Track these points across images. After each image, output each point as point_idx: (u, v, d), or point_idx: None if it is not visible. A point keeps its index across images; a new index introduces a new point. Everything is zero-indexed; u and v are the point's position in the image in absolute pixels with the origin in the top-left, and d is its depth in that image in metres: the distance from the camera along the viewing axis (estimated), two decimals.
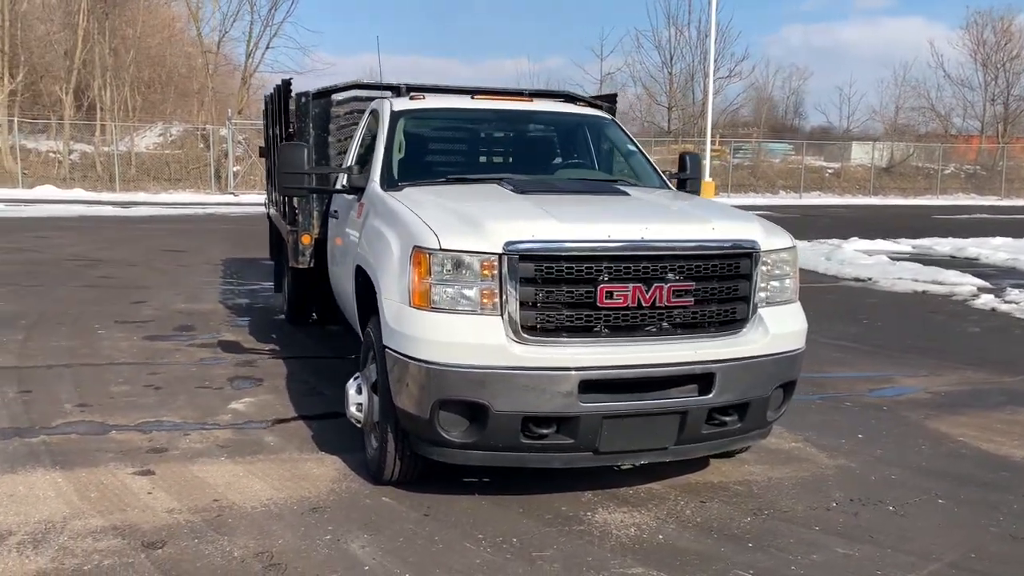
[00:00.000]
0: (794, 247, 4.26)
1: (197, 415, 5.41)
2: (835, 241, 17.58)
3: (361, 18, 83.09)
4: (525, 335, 3.70)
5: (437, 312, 3.72)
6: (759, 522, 4.03)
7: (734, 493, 4.38)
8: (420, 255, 3.76)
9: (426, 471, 4.22)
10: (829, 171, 45.30)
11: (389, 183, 4.84)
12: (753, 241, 4.02)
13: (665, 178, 5.47)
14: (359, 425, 4.41)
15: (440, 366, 3.68)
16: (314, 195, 5.96)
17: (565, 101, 6.47)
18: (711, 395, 3.85)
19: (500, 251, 3.67)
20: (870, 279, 12.70)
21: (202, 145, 33.79)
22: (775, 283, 4.15)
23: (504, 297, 3.68)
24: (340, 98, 6.34)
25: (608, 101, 6.88)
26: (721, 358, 3.87)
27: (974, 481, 4.61)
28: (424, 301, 3.74)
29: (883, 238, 17.87)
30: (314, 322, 8.10)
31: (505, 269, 3.67)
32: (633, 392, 3.78)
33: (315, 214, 6.14)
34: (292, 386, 6.15)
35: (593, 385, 3.71)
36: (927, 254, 15.95)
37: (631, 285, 3.74)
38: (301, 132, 6.24)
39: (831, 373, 6.97)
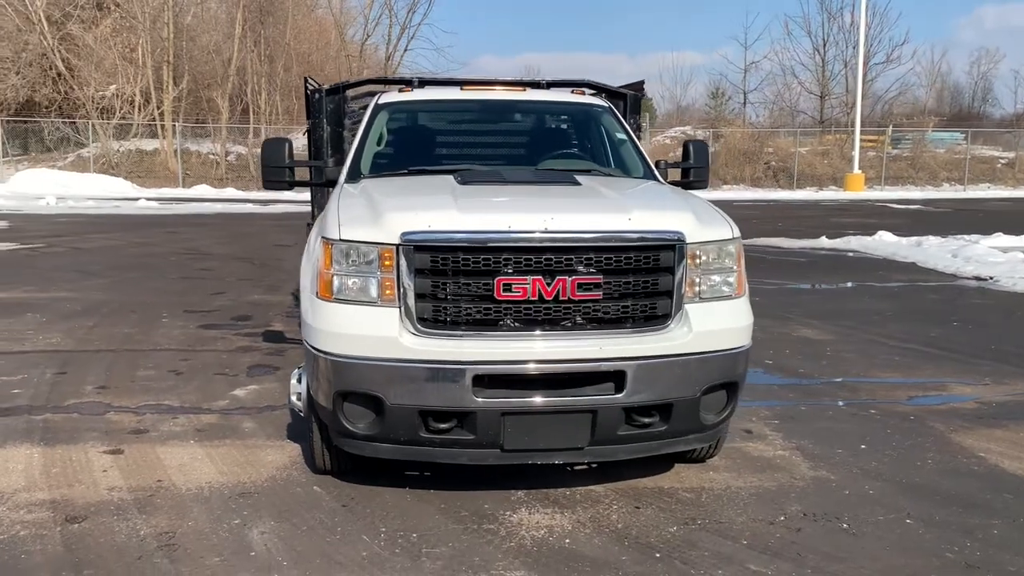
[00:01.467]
0: (734, 239, 3.93)
1: (196, 400, 5.65)
2: (972, 237, 16.10)
3: (506, 18, 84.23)
4: (422, 327, 3.63)
5: (339, 303, 3.71)
6: (684, 532, 3.76)
7: (678, 500, 4.11)
8: (325, 245, 3.76)
9: (379, 464, 4.17)
10: (1002, 161, 41.75)
11: (353, 175, 4.87)
12: (677, 233, 3.74)
13: (653, 167, 5.19)
14: (301, 415, 4.47)
15: (338, 358, 3.67)
16: None
17: (585, 91, 6.28)
18: (622, 394, 3.63)
19: (397, 242, 3.61)
20: (991, 278, 11.60)
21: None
22: (711, 277, 3.86)
23: (402, 289, 3.62)
24: (353, 94, 6.44)
25: (635, 90, 6.63)
26: (632, 355, 3.63)
27: (963, 502, 4.12)
28: (328, 292, 3.74)
29: None
30: None
31: (402, 260, 3.61)
32: (535, 389, 3.62)
33: None
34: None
35: (489, 380, 3.58)
36: None
37: (531, 278, 3.58)
38: (315, 127, 6.39)
39: (875, 378, 6.42)
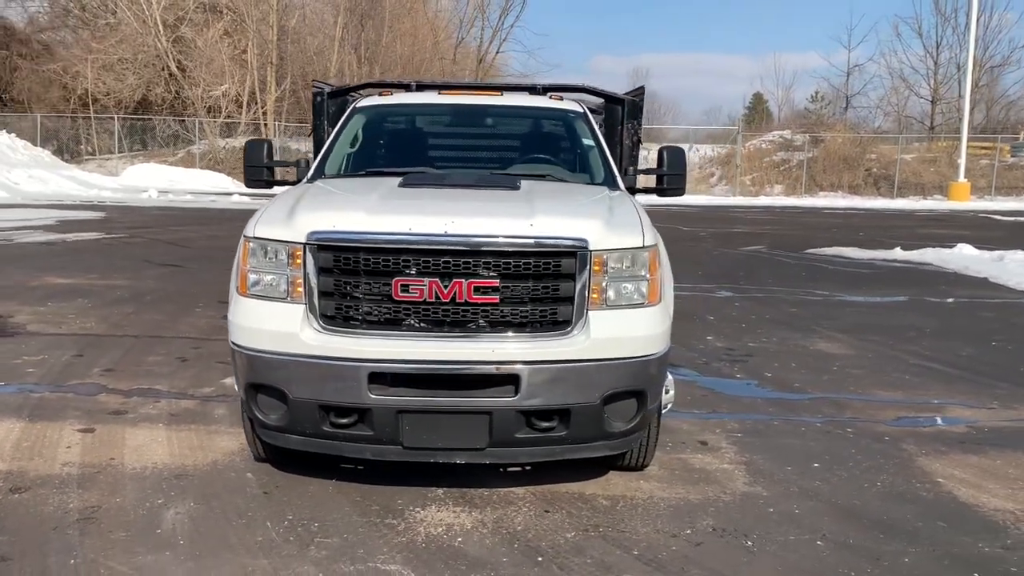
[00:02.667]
0: (644, 247, 3.88)
1: (185, 386, 5.96)
2: None
3: (620, 18, 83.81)
4: (325, 325, 3.75)
5: (253, 299, 3.88)
6: (579, 539, 3.76)
7: (592, 507, 4.10)
8: (244, 243, 3.94)
9: (320, 456, 4.22)
10: None
11: (315, 176, 5.06)
12: (580, 240, 3.74)
13: (616, 174, 5.16)
14: None
15: (249, 351, 3.84)
16: None
17: (580, 94, 6.29)
18: (516, 398, 3.67)
19: (303, 240, 3.75)
20: None
21: None
22: (619, 285, 3.83)
23: (308, 286, 3.76)
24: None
25: (635, 95, 6.58)
26: (527, 359, 3.66)
27: (890, 527, 3.95)
28: (244, 288, 3.92)
29: None
30: None
31: (309, 259, 3.75)
32: (430, 388, 3.70)
33: None
34: None
35: (385, 378, 3.68)
36: None
37: (428, 280, 3.65)
38: (316, 129, 6.61)
39: (871, 396, 6.18)
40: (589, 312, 3.78)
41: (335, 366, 3.68)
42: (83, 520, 3.82)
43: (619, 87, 6.57)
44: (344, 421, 3.78)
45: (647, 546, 3.71)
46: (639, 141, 6.82)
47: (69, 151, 36.98)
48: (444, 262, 3.67)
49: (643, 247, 3.88)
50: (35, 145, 32.92)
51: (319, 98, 6.66)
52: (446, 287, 3.65)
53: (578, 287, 3.75)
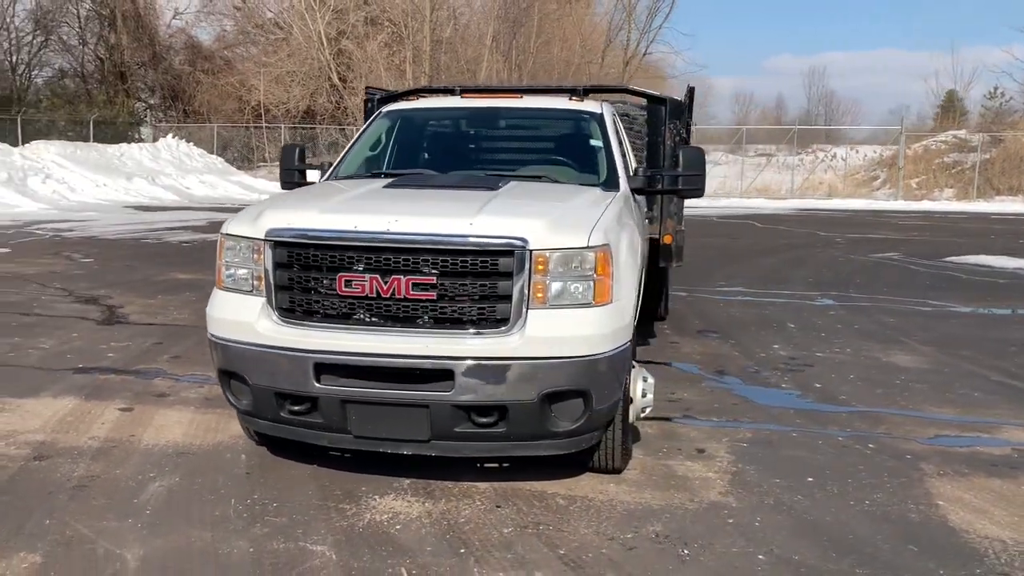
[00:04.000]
0: (590, 248, 3.83)
1: None
2: None
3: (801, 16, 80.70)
4: (280, 317, 3.98)
5: (225, 291, 4.18)
6: (514, 535, 3.78)
7: (546, 506, 4.11)
8: (220, 240, 4.24)
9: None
10: None
11: (328, 177, 5.34)
12: (519, 239, 3.76)
13: (619, 174, 5.10)
14: None
15: (218, 340, 4.14)
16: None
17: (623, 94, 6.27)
18: (450, 393, 3.75)
19: (262, 237, 4.00)
20: None
21: None
22: (565, 284, 3.82)
23: (267, 281, 4.01)
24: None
25: (689, 96, 6.54)
26: (461, 355, 3.73)
27: (849, 547, 3.72)
28: (220, 282, 4.22)
29: None
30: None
31: (268, 254, 3.99)
32: (371, 380, 3.84)
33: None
34: None
35: (329, 369, 3.86)
36: None
37: (369, 276, 3.80)
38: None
39: (919, 411, 5.77)
40: (530, 311, 3.80)
41: (285, 356, 3.90)
42: (77, 488, 4.24)
43: (790, 87, 6.42)
44: (298, 408, 4.00)
45: (578, 547, 3.69)
46: (684, 140, 6.70)
47: (242, 158, 39.90)
48: (385, 259, 3.81)
49: (587, 247, 3.84)
50: (211, 153, 35.76)
51: (370, 104, 6.98)
52: (386, 283, 3.79)
53: (516, 285, 3.78)
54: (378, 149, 5.66)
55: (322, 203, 4.20)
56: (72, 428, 5.13)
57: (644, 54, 39.22)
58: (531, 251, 3.78)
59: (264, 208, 4.22)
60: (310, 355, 3.86)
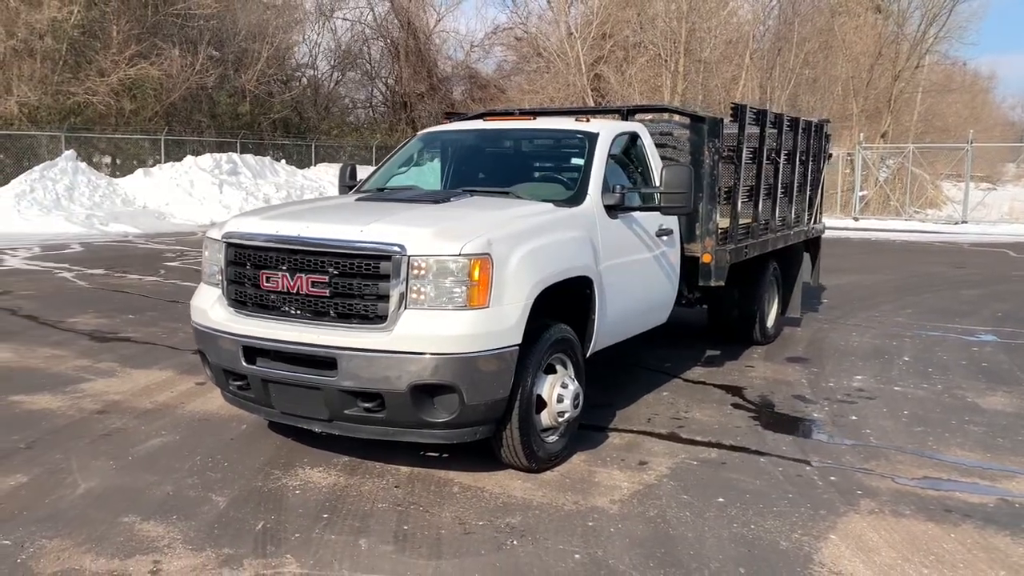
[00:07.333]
0: (464, 255, 4.16)
1: None
2: None
3: None
4: (231, 306, 4.76)
5: (203, 285, 5.05)
6: (379, 510, 4.24)
7: (437, 491, 4.49)
8: (205, 242, 5.13)
9: None
10: None
11: (349, 192, 6.11)
12: (398, 246, 4.21)
13: (589, 191, 5.30)
14: None
15: (193, 324, 5.01)
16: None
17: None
18: (335, 378, 4.28)
19: (221, 239, 4.81)
20: None
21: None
22: (440, 287, 4.20)
23: (223, 275, 4.80)
24: None
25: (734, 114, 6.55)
26: (341, 346, 4.25)
27: (677, 563, 3.74)
28: (203, 277, 5.10)
29: None
30: None
31: (224, 253, 4.79)
32: (280, 363, 4.48)
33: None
34: None
35: (256, 352, 4.56)
36: None
37: (280, 273, 4.46)
38: None
39: (937, 454, 5.29)
40: (406, 310, 4.24)
41: (225, 338, 4.67)
42: (102, 436, 5.32)
43: None
44: (239, 384, 4.75)
45: (423, 525, 4.07)
46: (723, 159, 6.66)
47: None
48: (294, 260, 4.45)
49: (460, 255, 4.20)
50: None
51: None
52: (293, 280, 4.43)
53: (394, 287, 4.23)
54: (398, 167, 6.32)
55: (270, 212, 4.95)
56: (146, 393, 6.30)
57: (916, 67, 36.19)
58: (409, 257, 4.22)
59: (236, 215, 5.05)
60: (240, 339, 4.59)
